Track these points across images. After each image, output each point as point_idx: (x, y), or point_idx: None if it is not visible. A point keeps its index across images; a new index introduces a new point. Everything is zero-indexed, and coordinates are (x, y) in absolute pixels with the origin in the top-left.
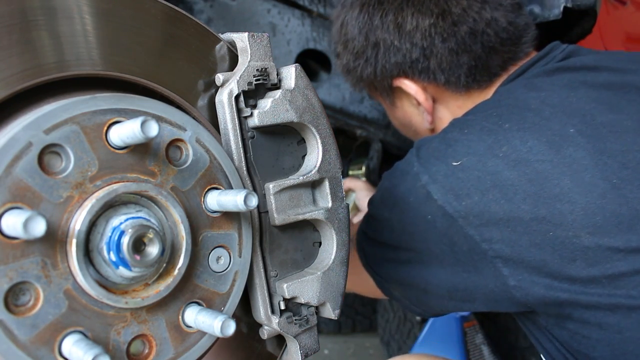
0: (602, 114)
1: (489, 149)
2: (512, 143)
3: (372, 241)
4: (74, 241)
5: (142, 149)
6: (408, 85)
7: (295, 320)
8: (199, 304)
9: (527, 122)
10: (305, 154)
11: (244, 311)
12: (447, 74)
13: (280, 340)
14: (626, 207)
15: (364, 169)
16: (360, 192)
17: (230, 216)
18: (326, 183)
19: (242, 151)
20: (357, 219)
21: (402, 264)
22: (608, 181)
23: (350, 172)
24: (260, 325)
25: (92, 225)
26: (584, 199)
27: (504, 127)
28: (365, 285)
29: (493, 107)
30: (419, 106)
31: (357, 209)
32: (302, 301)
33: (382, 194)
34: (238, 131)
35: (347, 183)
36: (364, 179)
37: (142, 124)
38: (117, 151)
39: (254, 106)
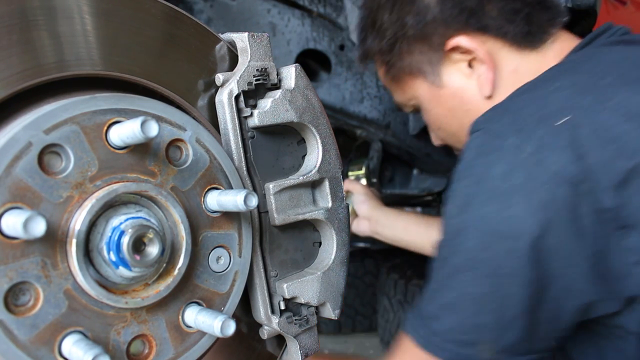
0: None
1: (595, 102)
2: (621, 96)
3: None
4: (74, 241)
5: (142, 149)
6: (466, 41)
7: (295, 320)
8: (199, 304)
9: (628, 77)
10: (305, 154)
11: (244, 311)
12: (504, 22)
13: (280, 340)
14: None
15: (364, 169)
16: (357, 196)
17: (230, 216)
18: (326, 183)
19: (242, 151)
20: (354, 225)
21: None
22: None
23: (350, 173)
24: (260, 325)
25: (92, 225)
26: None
27: (603, 82)
28: None
29: (577, 66)
30: (471, 75)
31: (355, 213)
32: (302, 301)
33: (467, 191)
34: (238, 131)
35: (346, 185)
36: (364, 179)
37: (142, 124)
38: (117, 151)
39: (254, 106)
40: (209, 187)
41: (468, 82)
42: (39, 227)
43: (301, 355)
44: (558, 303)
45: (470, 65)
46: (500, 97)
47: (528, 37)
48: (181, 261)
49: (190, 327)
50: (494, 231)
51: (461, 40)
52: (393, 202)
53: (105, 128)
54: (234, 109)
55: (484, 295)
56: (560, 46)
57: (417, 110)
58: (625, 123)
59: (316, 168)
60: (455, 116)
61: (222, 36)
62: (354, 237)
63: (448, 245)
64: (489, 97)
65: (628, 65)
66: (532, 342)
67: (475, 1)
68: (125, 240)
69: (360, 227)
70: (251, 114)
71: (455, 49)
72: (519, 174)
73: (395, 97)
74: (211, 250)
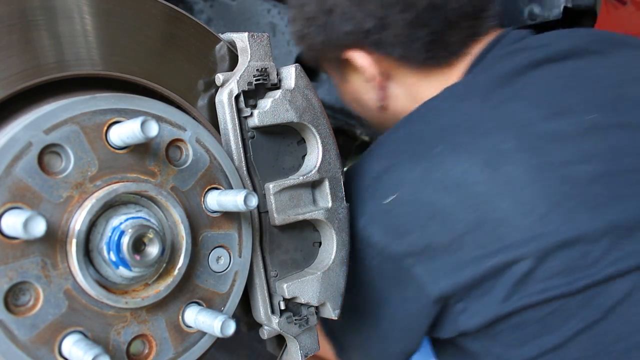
0: (544, 120)
1: (421, 176)
2: (445, 167)
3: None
4: (74, 241)
5: (142, 149)
6: (359, 58)
7: (295, 320)
8: (199, 304)
9: (461, 143)
10: (305, 154)
11: (244, 311)
12: (402, 47)
13: (280, 340)
14: (567, 226)
15: None
16: None
17: (230, 216)
18: (326, 183)
19: (242, 151)
20: None
21: (359, 325)
22: (548, 199)
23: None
24: (260, 325)
25: (92, 225)
26: (525, 220)
27: (435, 151)
28: (330, 355)
29: (425, 124)
30: (369, 82)
31: None
32: (302, 301)
33: None
34: (238, 131)
35: None
36: None
37: (142, 124)
38: (117, 151)
39: (254, 106)
40: (209, 187)
41: (366, 86)
42: (39, 227)
43: (301, 355)
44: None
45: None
46: (395, 105)
47: (429, 61)
48: (181, 261)
49: (190, 327)
50: None
51: (354, 55)
52: None
53: (105, 128)
54: (234, 109)
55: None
56: (470, 59)
57: None
58: (445, 197)
59: (316, 168)
60: (357, 105)
61: (222, 36)
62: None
63: None
64: (383, 107)
65: (472, 121)
66: None
67: (373, 23)
68: (125, 240)
69: None
70: (251, 114)
71: (350, 61)
72: (358, 244)
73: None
74: (211, 250)
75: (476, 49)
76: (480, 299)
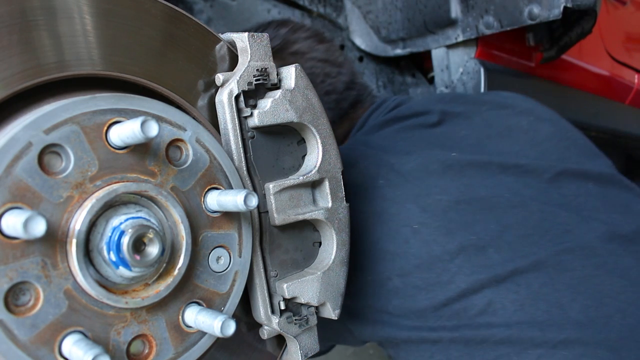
0: (407, 162)
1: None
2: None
3: None
4: (74, 241)
5: (142, 149)
6: None
7: (295, 320)
8: (199, 304)
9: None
10: (305, 154)
11: (244, 311)
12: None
13: (280, 340)
14: (425, 249)
15: None
16: None
17: (230, 216)
18: (326, 183)
19: (242, 151)
20: None
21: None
22: (409, 227)
23: None
24: (260, 325)
25: (92, 225)
26: (390, 245)
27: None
28: None
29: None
30: None
31: None
32: (302, 301)
33: None
34: (238, 131)
35: None
36: None
37: (142, 124)
38: (117, 151)
39: (254, 106)
40: (209, 187)
41: None
42: (39, 227)
43: (301, 355)
44: None
45: None
46: None
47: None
48: (181, 261)
49: (190, 327)
50: None
51: None
52: None
53: (105, 128)
54: (234, 109)
55: None
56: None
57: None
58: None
59: (316, 168)
60: None
61: (222, 36)
62: None
63: None
64: None
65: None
66: None
67: None
68: (125, 240)
69: None
70: (251, 114)
71: None
72: None
73: None
74: (211, 250)
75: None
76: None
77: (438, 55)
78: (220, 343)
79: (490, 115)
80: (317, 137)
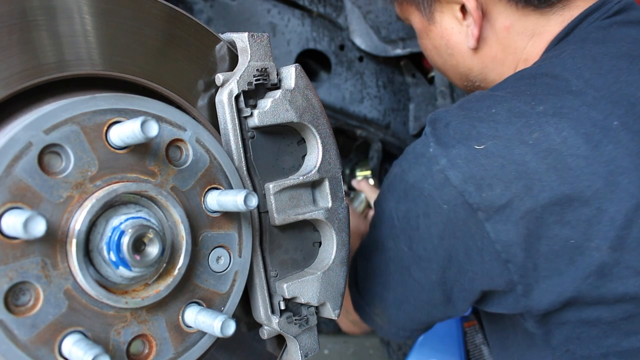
0: None
1: (517, 133)
2: (545, 130)
3: (365, 250)
4: (74, 241)
5: (142, 149)
6: None
7: (295, 320)
8: (199, 304)
9: (566, 107)
10: (305, 154)
11: (244, 311)
12: None
13: (280, 340)
14: None
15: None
16: (371, 194)
17: (230, 216)
18: (326, 183)
19: (242, 151)
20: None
21: (393, 275)
22: None
23: (359, 173)
24: (260, 325)
25: (92, 225)
26: (614, 207)
27: (536, 110)
28: (345, 313)
29: (528, 83)
30: (463, 20)
31: (369, 206)
32: (302, 301)
33: (390, 181)
34: (238, 131)
35: (356, 185)
36: (371, 179)
37: (142, 124)
38: (117, 151)
39: (254, 106)
40: (209, 187)
41: (458, 27)
42: (39, 227)
43: (301, 355)
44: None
45: (463, 10)
46: (485, 50)
47: None
48: (181, 261)
49: (190, 327)
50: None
51: None
52: None
53: (105, 128)
54: (234, 109)
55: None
56: (570, 13)
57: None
58: (536, 160)
59: (316, 168)
60: (440, 54)
61: (222, 36)
62: None
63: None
64: (474, 49)
65: (579, 86)
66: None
67: None
68: (125, 240)
69: None
70: (251, 114)
71: None
72: (426, 185)
73: (396, 9)
74: (211, 250)
75: (580, 2)
76: (553, 277)
77: None
78: (220, 343)
79: None
80: (317, 137)
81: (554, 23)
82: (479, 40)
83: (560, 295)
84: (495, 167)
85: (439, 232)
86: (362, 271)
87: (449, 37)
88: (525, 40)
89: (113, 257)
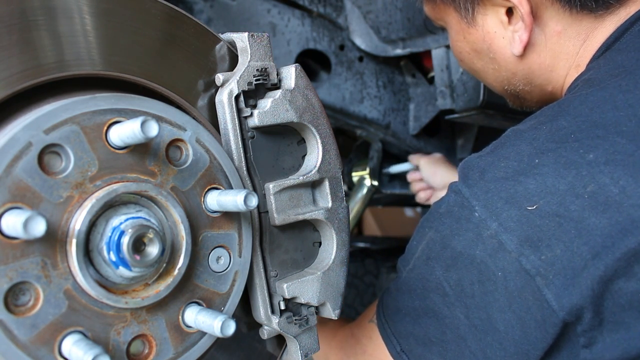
0: None
1: (570, 188)
2: (600, 181)
3: (407, 315)
4: (74, 241)
5: (142, 149)
6: None
7: (295, 320)
8: (199, 304)
9: (618, 153)
10: (305, 154)
11: (244, 311)
12: None
13: (280, 340)
14: None
15: (368, 169)
16: (425, 169)
17: (230, 216)
18: (326, 183)
19: (242, 151)
20: (433, 199)
21: (451, 344)
22: None
23: (354, 173)
24: (260, 325)
25: (92, 225)
26: None
27: (587, 159)
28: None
29: (573, 119)
30: (508, 25)
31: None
32: (302, 301)
33: (430, 248)
34: (238, 131)
35: (412, 160)
36: (368, 179)
37: (142, 124)
38: (117, 151)
39: (254, 106)
40: (209, 187)
41: (502, 31)
42: (39, 227)
43: (301, 355)
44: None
45: (509, 13)
46: (533, 57)
47: (588, 0)
48: (181, 261)
49: (190, 327)
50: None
51: None
52: (393, 202)
53: (105, 128)
54: (234, 109)
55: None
56: (626, 12)
57: (444, 30)
58: (595, 215)
59: (316, 168)
60: (479, 58)
61: (222, 36)
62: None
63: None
64: (520, 56)
65: (629, 126)
66: None
67: None
68: (125, 240)
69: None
70: (251, 114)
71: None
72: (478, 252)
73: (425, 8)
74: (211, 250)
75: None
76: (620, 331)
77: (438, 55)
78: (220, 343)
79: None
80: (317, 137)
81: (609, 24)
82: (527, 46)
83: (627, 351)
84: (552, 227)
85: (495, 302)
86: (406, 337)
87: (491, 41)
88: (577, 45)
89: (113, 257)
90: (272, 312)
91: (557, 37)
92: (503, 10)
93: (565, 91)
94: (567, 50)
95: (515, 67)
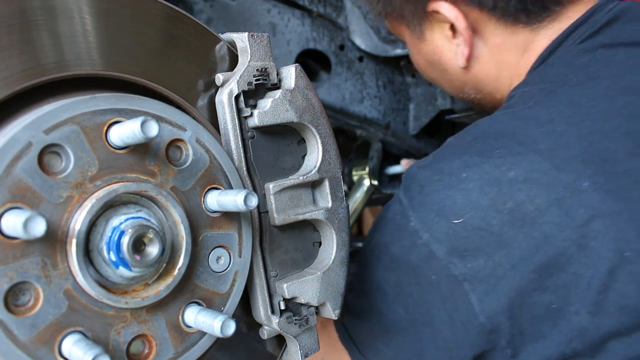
0: (629, 156)
1: (492, 204)
2: (518, 198)
3: (357, 309)
4: (74, 241)
5: (142, 149)
6: (447, 9)
7: (295, 320)
8: (199, 304)
9: (535, 171)
10: (305, 154)
11: (244, 311)
12: None
13: (280, 340)
14: (635, 286)
15: (367, 169)
16: None
17: (230, 216)
18: (326, 183)
19: (242, 151)
20: None
21: (394, 335)
22: (619, 253)
23: (354, 173)
24: (260, 325)
25: (92, 225)
26: (589, 272)
27: (508, 176)
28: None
29: (499, 138)
30: (453, 39)
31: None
32: (302, 301)
33: (374, 250)
34: (238, 131)
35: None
36: (367, 179)
37: (142, 124)
38: (117, 151)
39: (254, 106)
40: (209, 187)
41: (448, 45)
42: (39, 227)
43: (301, 355)
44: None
45: (452, 28)
46: (478, 68)
47: (521, 13)
48: (181, 261)
49: (190, 327)
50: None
51: (441, 6)
52: None
53: (105, 128)
54: (234, 109)
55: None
56: (559, 26)
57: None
58: (513, 230)
59: (316, 168)
60: (433, 69)
61: (222, 36)
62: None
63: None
64: (466, 67)
65: (548, 145)
66: None
67: None
68: (125, 240)
69: None
70: (251, 114)
71: (437, 12)
72: (413, 257)
73: (387, 25)
74: (211, 250)
75: (571, 13)
76: (539, 340)
77: None
78: (220, 343)
79: None
80: (317, 137)
81: (544, 37)
82: (471, 58)
83: (547, 358)
84: (476, 240)
85: (432, 299)
86: (356, 331)
87: (440, 54)
88: (517, 56)
89: (113, 257)
90: (272, 312)
91: (499, 49)
92: (447, 26)
93: (505, 99)
94: (509, 61)
95: (464, 77)
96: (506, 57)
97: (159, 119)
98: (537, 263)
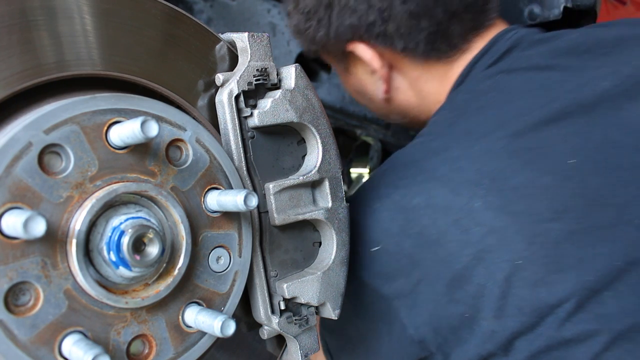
0: (517, 172)
1: (402, 230)
2: (422, 223)
3: (330, 324)
4: (74, 241)
5: (142, 149)
6: (363, 50)
7: (295, 320)
8: (199, 304)
9: (434, 197)
10: (305, 154)
11: (244, 311)
12: (405, 39)
13: (280, 340)
14: (528, 290)
15: (368, 167)
16: None
17: (230, 216)
18: (326, 183)
19: (242, 151)
20: None
21: (354, 347)
22: (511, 262)
23: (352, 170)
24: (260, 325)
25: (92, 225)
26: (490, 281)
27: (412, 204)
28: None
29: (406, 168)
30: (373, 74)
31: None
32: (302, 301)
33: None
34: (238, 131)
35: None
36: (366, 176)
37: (142, 124)
38: (117, 151)
39: (254, 106)
40: (209, 187)
41: (370, 79)
42: (39, 227)
43: (301, 355)
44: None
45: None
46: (400, 97)
47: (432, 53)
48: (181, 261)
49: (190, 327)
50: None
51: (357, 48)
52: None
53: (105, 128)
54: (234, 109)
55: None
56: (469, 57)
57: None
58: (423, 251)
59: (316, 168)
60: (362, 97)
61: (222, 36)
62: None
63: None
64: (387, 99)
65: (445, 170)
66: None
67: (376, 16)
68: (125, 240)
69: None
70: (251, 114)
71: (353, 53)
72: (351, 286)
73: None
74: (211, 250)
75: (479, 44)
76: (462, 345)
77: None
78: (220, 343)
79: None
80: (317, 137)
81: (457, 67)
82: (391, 90)
83: (471, 357)
84: (393, 263)
85: (374, 317)
86: (333, 345)
87: (364, 86)
88: (436, 85)
89: (113, 257)
90: (272, 312)
91: (417, 81)
92: (367, 64)
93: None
94: (429, 89)
95: (388, 106)
96: (425, 86)
97: (159, 119)
98: (447, 278)
